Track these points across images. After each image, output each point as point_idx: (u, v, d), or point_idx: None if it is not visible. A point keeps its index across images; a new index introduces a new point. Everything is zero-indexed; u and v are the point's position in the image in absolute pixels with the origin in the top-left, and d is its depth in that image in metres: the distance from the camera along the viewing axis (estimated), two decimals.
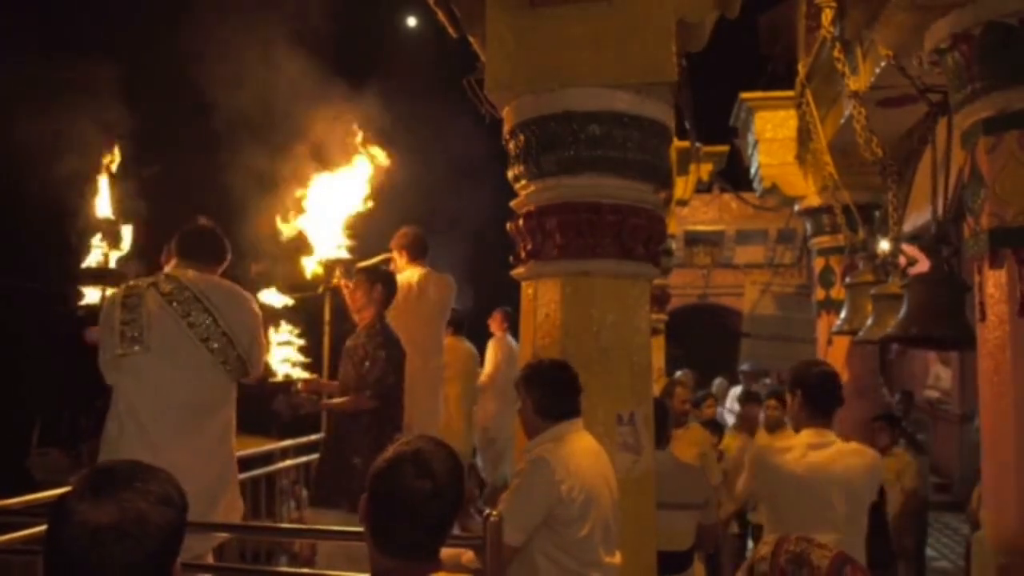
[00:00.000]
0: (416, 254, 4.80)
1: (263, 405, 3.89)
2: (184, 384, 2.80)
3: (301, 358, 4.09)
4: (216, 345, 2.83)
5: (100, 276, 3.49)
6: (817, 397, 3.01)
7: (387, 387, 3.91)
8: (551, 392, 2.64)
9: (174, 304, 2.82)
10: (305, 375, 4.06)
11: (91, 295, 3.57)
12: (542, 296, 3.00)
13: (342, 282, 4.20)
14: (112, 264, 3.58)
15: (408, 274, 4.71)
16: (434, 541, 1.61)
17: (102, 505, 1.17)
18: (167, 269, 3.09)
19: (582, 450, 2.59)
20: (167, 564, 1.22)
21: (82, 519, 1.16)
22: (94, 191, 3.67)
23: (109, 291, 3.30)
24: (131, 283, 3.06)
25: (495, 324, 7.09)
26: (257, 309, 3.08)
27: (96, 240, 3.62)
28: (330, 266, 4.40)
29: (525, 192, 3.06)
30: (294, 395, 3.86)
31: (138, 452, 2.62)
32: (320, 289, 4.46)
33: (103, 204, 3.67)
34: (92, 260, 3.61)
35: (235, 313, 2.90)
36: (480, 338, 7.05)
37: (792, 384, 3.09)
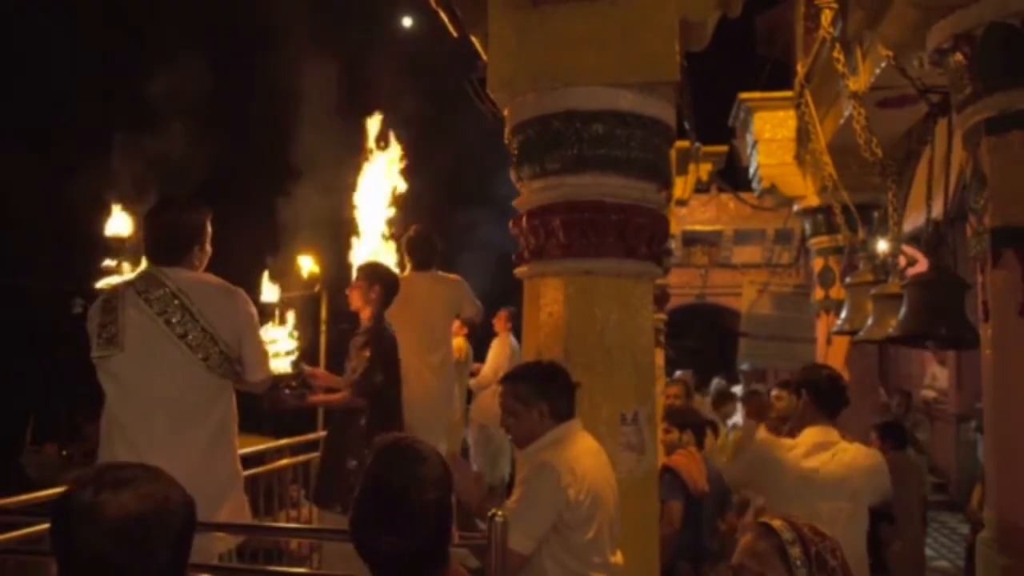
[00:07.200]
0: (424, 257, 4.72)
1: (253, 401, 3.69)
2: (164, 385, 2.68)
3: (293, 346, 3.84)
4: (195, 342, 2.69)
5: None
6: (824, 398, 3.01)
7: (372, 386, 3.77)
8: (565, 395, 2.56)
9: (150, 302, 2.70)
10: (306, 367, 3.86)
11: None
12: (545, 295, 2.99)
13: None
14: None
15: (426, 277, 4.69)
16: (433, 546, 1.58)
17: (112, 509, 1.16)
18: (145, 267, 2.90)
19: (585, 452, 2.56)
20: (177, 569, 1.23)
21: (90, 535, 1.16)
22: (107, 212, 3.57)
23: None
24: (113, 285, 2.97)
25: (499, 323, 7.08)
26: (249, 306, 2.89)
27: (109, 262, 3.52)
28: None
29: (528, 191, 3.05)
30: (279, 390, 3.55)
31: (125, 457, 2.54)
32: (316, 288, 4.42)
33: (117, 223, 3.57)
34: (105, 282, 3.47)
35: (217, 309, 2.75)
36: (483, 338, 7.05)
37: (799, 384, 3.09)
